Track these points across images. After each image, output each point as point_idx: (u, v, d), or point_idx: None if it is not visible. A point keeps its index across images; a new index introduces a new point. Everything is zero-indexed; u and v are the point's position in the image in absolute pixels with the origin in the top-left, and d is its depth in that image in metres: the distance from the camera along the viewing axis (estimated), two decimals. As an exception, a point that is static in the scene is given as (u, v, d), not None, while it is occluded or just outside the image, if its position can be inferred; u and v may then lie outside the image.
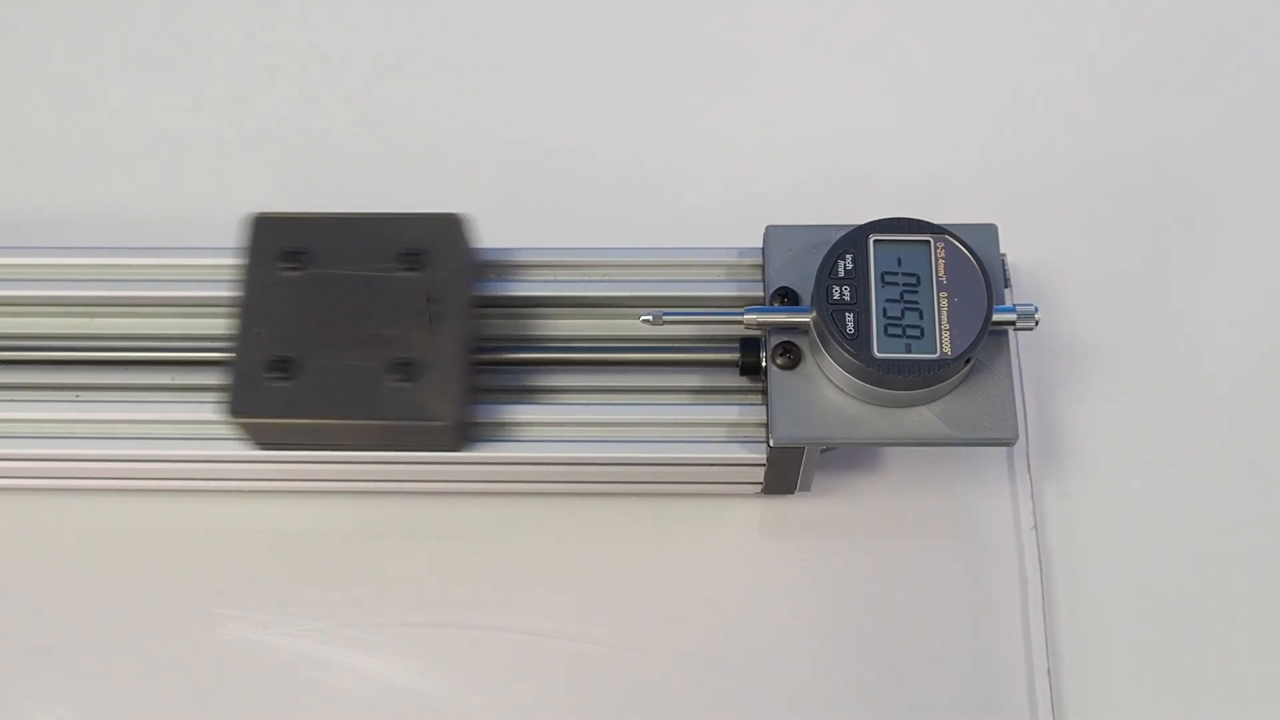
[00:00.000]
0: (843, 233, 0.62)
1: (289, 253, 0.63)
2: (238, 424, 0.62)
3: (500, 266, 0.68)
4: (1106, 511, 0.69)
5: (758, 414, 0.64)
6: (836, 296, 0.61)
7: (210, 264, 0.69)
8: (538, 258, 0.68)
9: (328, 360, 0.61)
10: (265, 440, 0.64)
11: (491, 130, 0.81)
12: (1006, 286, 0.68)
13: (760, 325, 0.63)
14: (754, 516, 0.70)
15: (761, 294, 0.66)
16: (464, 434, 0.63)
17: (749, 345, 0.64)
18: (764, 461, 0.64)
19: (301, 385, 0.61)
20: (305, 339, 0.62)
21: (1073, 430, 0.71)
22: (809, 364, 0.63)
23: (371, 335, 0.62)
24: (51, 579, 0.69)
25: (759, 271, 0.67)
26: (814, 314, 0.61)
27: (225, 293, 0.68)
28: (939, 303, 0.60)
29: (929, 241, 0.62)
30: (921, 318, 0.60)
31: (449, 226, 0.64)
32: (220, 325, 0.68)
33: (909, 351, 0.59)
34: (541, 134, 0.81)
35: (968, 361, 0.60)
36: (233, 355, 0.62)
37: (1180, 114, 0.81)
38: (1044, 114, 0.81)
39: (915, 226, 0.62)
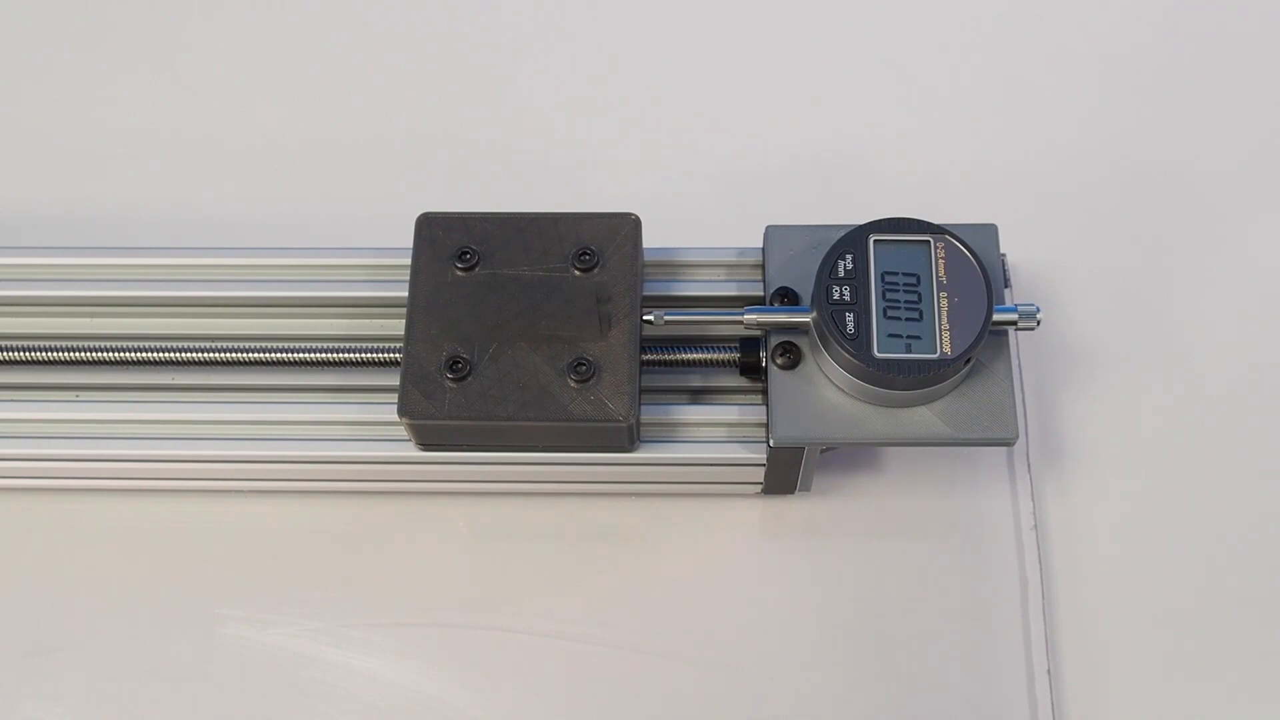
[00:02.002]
0: (843, 233, 0.62)
1: (460, 252, 0.63)
2: (408, 425, 0.61)
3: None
4: (1106, 511, 0.69)
5: (758, 414, 0.64)
6: (836, 296, 0.61)
7: (210, 264, 0.69)
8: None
9: (502, 361, 0.61)
10: (432, 441, 0.63)
11: (490, 130, 0.82)
12: (1006, 286, 0.68)
13: (760, 325, 0.63)
14: (754, 516, 0.70)
15: (761, 294, 0.66)
16: (635, 434, 0.63)
17: (749, 345, 0.64)
18: (764, 461, 0.64)
19: (476, 386, 0.61)
20: (478, 339, 0.62)
21: (1073, 430, 0.71)
22: (809, 364, 0.63)
23: (546, 335, 0.62)
24: (51, 579, 0.69)
25: (759, 271, 0.67)
26: (814, 314, 0.61)
27: (226, 293, 0.68)
28: (939, 303, 0.60)
29: (929, 241, 0.62)
30: (921, 318, 0.60)
31: (621, 226, 0.64)
32: (220, 325, 0.69)
33: (909, 351, 0.59)
34: (539, 134, 0.81)
35: (968, 361, 0.60)
36: (404, 355, 0.62)
37: (1180, 114, 0.81)
38: (1045, 114, 0.81)
39: (915, 226, 0.62)
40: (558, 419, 0.61)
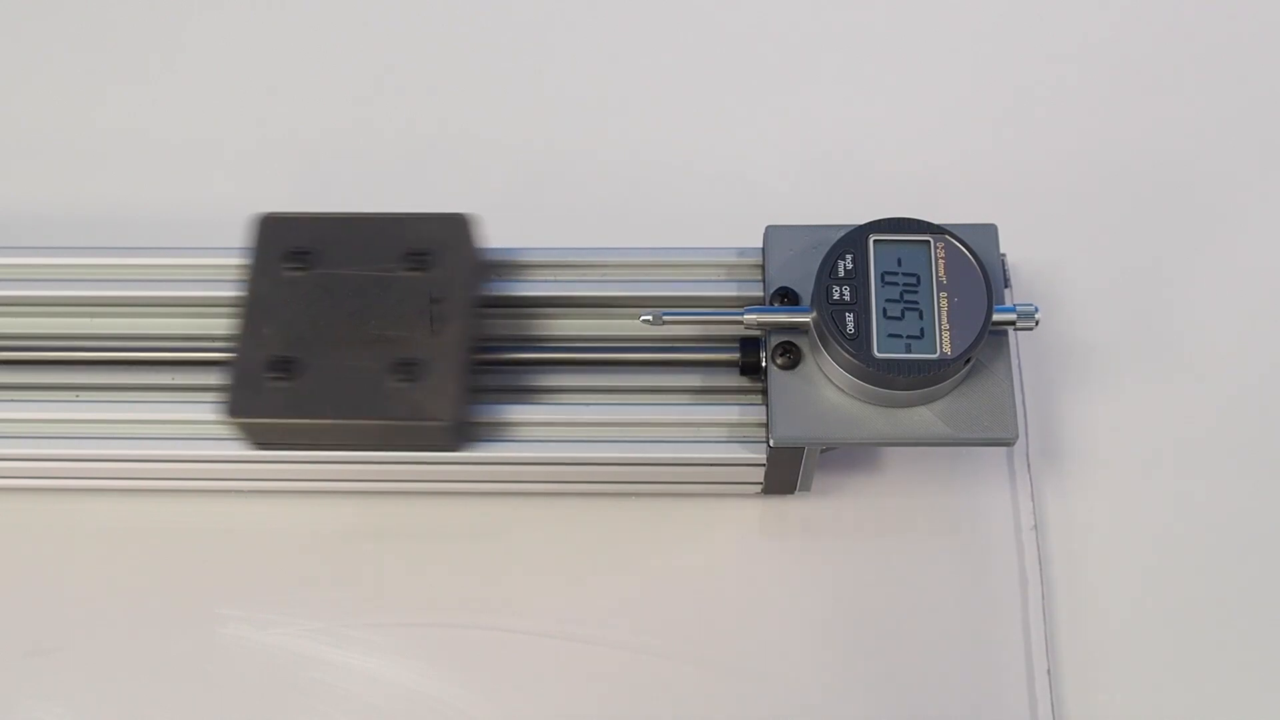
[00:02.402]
0: (843, 233, 0.62)
1: (294, 252, 0.63)
2: (236, 424, 0.61)
3: (501, 266, 0.68)
4: (1106, 511, 0.69)
5: (758, 414, 0.64)
6: (836, 296, 0.61)
7: (210, 264, 0.69)
8: (538, 258, 0.68)
9: (329, 360, 0.61)
10: (264, 440, 0.63)
11: (491, 130, 0.82)
12: (1006, 286, 0.68)
13: (760, 325, 0.63)
14: (754, 516, 0.70)
15: (761, 294, 0.66)
16: (462, 434, 0.63)
17: (749, 345, 0.64)
18: (764, 461, 0.64)
19: (302, 386, 0.61)
20: (308, 339, 0.62)
21: (1073, 430, 0.71)
22: (809, 364, 0.63)
23: (374, 335, 0.62)
24: (51, 579, 0.69)
25: (759, 271, 0.67)
26: (814, 314, 0.61)
27: (225, 293, 0.68)
28: (939, 303, 0.60)
29: (929, 241, 0.62)
30: (921, 318, 0.60)
31: (455, 227, 0.64)
32: (220, 325, 0.68)
33: (909, 351, 0.59)
34: (540, 134, 0.81)
35: (968, 361, 0.60)
36: (233, 355, 0.62)
37: (1181, 114, 0.81)
38: (1045, 114, 0.81)
39: (915, 226, 0.62)
40: (379, 418, 0.61)
